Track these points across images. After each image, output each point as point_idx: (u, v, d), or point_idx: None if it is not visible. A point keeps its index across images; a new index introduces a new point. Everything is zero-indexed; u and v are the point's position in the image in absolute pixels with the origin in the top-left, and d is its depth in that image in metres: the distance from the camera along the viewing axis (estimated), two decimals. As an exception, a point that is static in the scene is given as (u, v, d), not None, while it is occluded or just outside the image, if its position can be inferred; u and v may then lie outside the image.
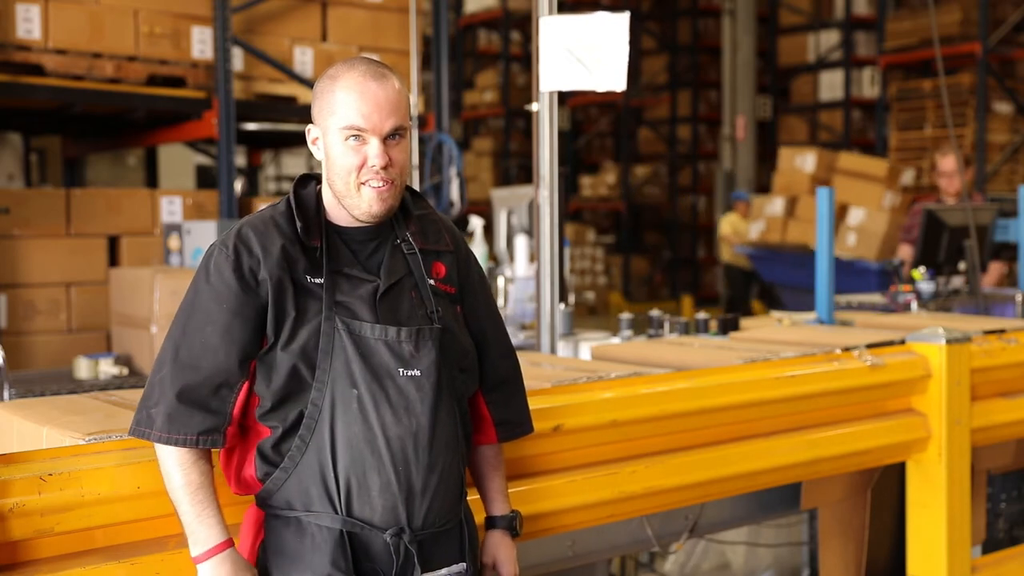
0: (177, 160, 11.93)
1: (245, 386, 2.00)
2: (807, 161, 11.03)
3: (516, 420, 2.30)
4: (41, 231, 6.43)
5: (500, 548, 2.29)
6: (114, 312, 5.67)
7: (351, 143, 2.03)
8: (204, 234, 5.94)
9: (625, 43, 3.79)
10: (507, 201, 6.70)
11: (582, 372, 3.07)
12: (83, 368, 5.21)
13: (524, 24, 18.55)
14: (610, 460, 2.81)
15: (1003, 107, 12.59)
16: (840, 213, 10.24)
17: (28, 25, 6.24)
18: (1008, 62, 13.24)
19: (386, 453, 1.99)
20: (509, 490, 2.37)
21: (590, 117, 20.13)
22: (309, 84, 7.22)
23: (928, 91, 12.60)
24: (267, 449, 2.01)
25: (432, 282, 2.12)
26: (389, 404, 2.00)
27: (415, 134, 7.09)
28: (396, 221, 2.14)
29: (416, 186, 5.26)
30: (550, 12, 3.92)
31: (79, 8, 6.41)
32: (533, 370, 3.12)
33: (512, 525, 2.30)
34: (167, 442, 1.96)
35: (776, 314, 4.75)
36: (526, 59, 18.48)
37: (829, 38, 16.39)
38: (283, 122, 7.63)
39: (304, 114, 7.38)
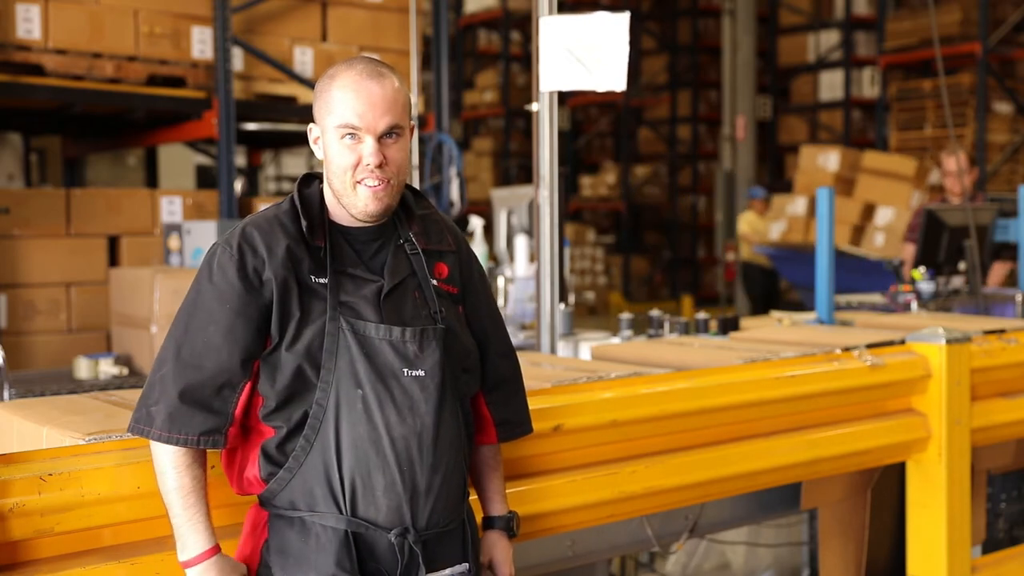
0: (177, 160, 11.93)
1: (247, 386, 2.00)
2: (830, 160, 10.89)
3: (516, 420, 2.30)
4: (41, 231, 6.43)
5: (497, 548, 2.29)
6: (114, 312, 5.67)
7: (347, 141, 2.03)
8: (204, 234, 5.94)
9: (625, 43, 3.79)
10: (507, 201, 6.70)
11: (582, 372, 3.07)
12: (83, 368, 5.22)
13: (524, 24, 18.55)
14: (610, 460, 2.81)
15: (1003, 107, 12.60)
16: (866, 213, 10.15)
17: (28, 25, 6.25)
18: (1008, 62, 13.24)
19: (390, 453, 1.98)
20: (509, 490, 2.37)
21: (590, 117, 20.13)
22: (309, 84, 7.22)
23: (928, 91, 12.60)
24: (271, 449, 2.01)
25: (435, 282, 2.12)
26: (393, 404, 2.00)
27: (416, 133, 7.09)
28: (399, 221, 2.14)
29: (416, 186, 5.25)
30: (550, 12, 3.92)
31: (79, 8, 6.41)
32: (533, 370, 3.12)
33: (509, 526, 2.31)
34: (167, 441, 1.96)
35: (776, 314, 4.75)
36: (526, 59, 18.48)
37: (829, 38, 16.39)
38: (283, 122, 7.63)
39: (304, 114, 7.39)
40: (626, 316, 4.49)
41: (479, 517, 2.28)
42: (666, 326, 4.36)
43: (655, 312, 4.42)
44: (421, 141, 7.49)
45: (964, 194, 5.94)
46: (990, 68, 12.23)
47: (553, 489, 2.66)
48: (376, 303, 2.03)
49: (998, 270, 6.19)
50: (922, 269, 5.25)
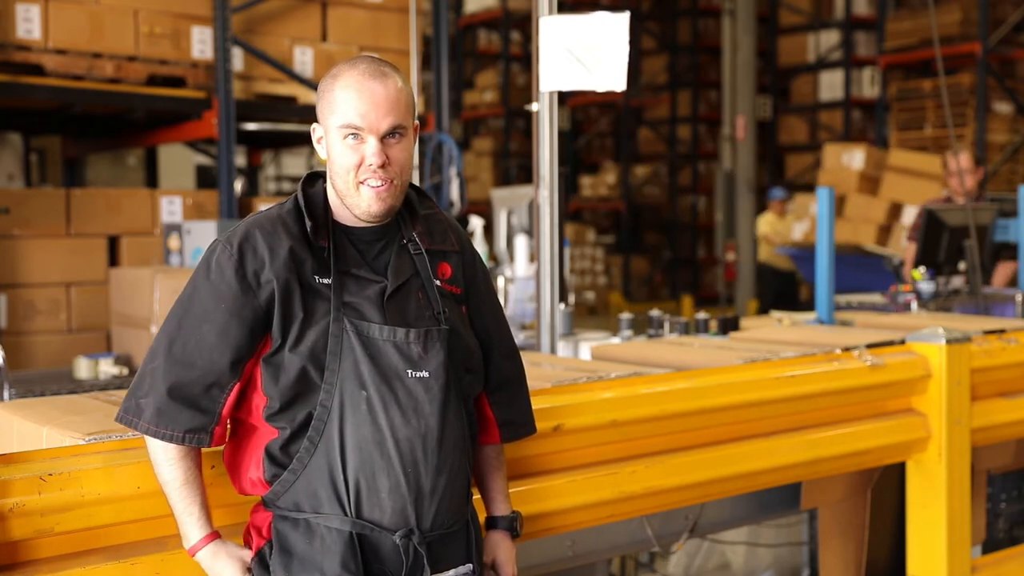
0: (177, 160, 11.92)
1: (236, 387, 2.00)
2: (855, 158, 10.76)
3: (519, 420, 2.30)
4: (41, 231, 6.43)
5: (500, 548, 2.28)
6: (114, 312, 5.68)
7: (349, 142, 2.02)
8: (204, 234, 5.94)
9: (625, 43, 3.79)
10: (507, 201, 6.70)
11: (582, 372, 3.07)
12: (83, 368, 5.22)
13: (524, 24, 18.55)
14: (610, 460, 2.81)
15: (1003, 107, 12.59)
16: (893, 212, 10.06)
17: (28, 25, 6.25)
18: (1008, 62, 13.24)
19: (395, 455, 1.98)
20: (509, 490, 2.37)
21: (590, 117, 20.13)
22: (309, 84, 7.22)
23: (928, 91, 12.60)
24: (275, 450, 2.01)
25: (438, 283, 2.12)
26: (398, 405, 1.99)
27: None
28: (402, 221, 2.13)
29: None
30: (550, 12, 3.92)
31: (79, 8, 6.41)
32: (533, 370, 3.11)
33: (513, 526, 2.30)
34: (154, 435, 1.98)
35: (776, 314, 4.75)
36: (526, 59, 18.48)
37: (829, 38, 16.39)
38: (283, 122, 7.63)
39: (304, 114, 7.39)
40: (626, 316, 4.49)
41: (482, 517, 2.28)
42: (666, 326, 4.36)
43: (655, 312, 4.42)
44: (421, 141, 7.49)
45: (969, 194, 5.94)
46: (990, 68, 12.22)
47: (553, 489, 2.66)
48: (380, 304, 2.03)
49: (1003, 270, 6.18)
50: (922, 269, 5.25)
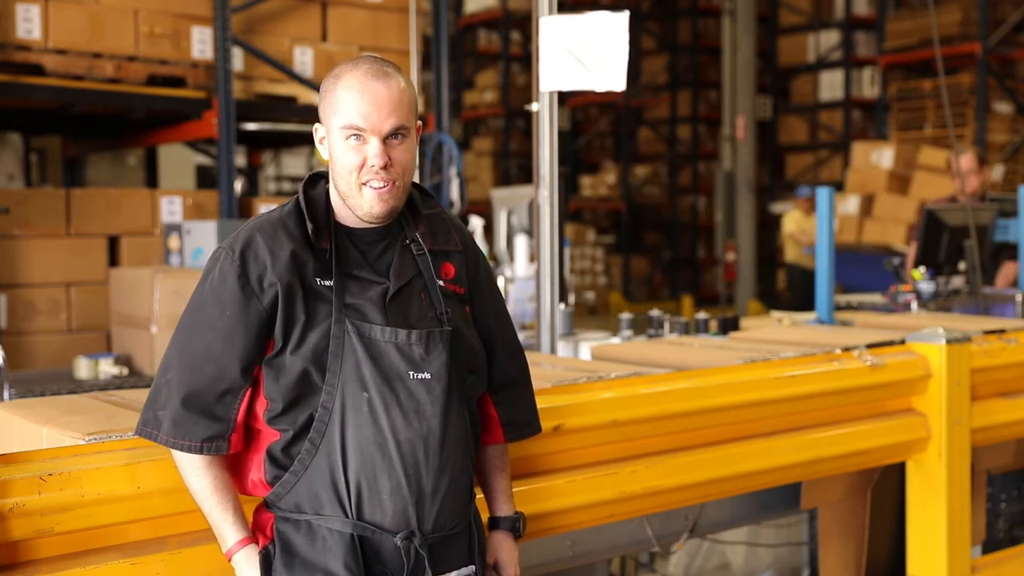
0: (177, 160, 11.93)
1: (248, 392, 2.00)
2: (884, 156, 10.61)
3: (523, 420, 2.29)
4: (41, 231, 6.43)
5: (502, 549, 2.28)
6: (114, 312, 5.68)
7: (351, 143, 2.01)
8: (204, 234, 5.94)
9: (625, 43, 3.79)
10: (507, 201, 6.70)
11: (582, 372, 3.06)
12: (83, 368, 5.22)
13: (524, 24, 18.56)
14: (610, 460, 2.81)
15: (1003, 107, 12.60)
16: (923, 211, 9.98)
17: (28, 25, 6.25)
18: (1008, 62, 13.24)
19: (396, 456, 1.98)
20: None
21: (590, 117, 20.14)
22: (309, 84, 7.23)
23: (928, 91, 12.60)
24: (277, 452, 2.01)
25: (441, 283, 2.11)
26: (399, 407, 1.99)
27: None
28: (405, 221, 2.13)
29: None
30: (550, 12, 3.92)
31: (79, 8, 6.41)
32: (533, 370, 3.08)
33: (515, 527, 2.30)
34: (173, 446, 1.98)
35: (776, 314, 4.75)
36: (526, 59, 18.48)
37: (829, 38, 16.39)
38: (283, 122, 7.64)
39: (304, 114, 7.39)
40: (626, 316, 4.49)
41: (485, 517, 2.28)
42: (666, 326, 4.36)
43: (655, 312, 4.42)
44: (421, 141, 7.49)
45: (974, 194, 5.94)
46: (990, 68, 12.23)
47: (553, 489, 2.66)
48: (382, 305, 2.02)
49: (1008, 270, 6.16)
50: (922, 269, 5.25)
